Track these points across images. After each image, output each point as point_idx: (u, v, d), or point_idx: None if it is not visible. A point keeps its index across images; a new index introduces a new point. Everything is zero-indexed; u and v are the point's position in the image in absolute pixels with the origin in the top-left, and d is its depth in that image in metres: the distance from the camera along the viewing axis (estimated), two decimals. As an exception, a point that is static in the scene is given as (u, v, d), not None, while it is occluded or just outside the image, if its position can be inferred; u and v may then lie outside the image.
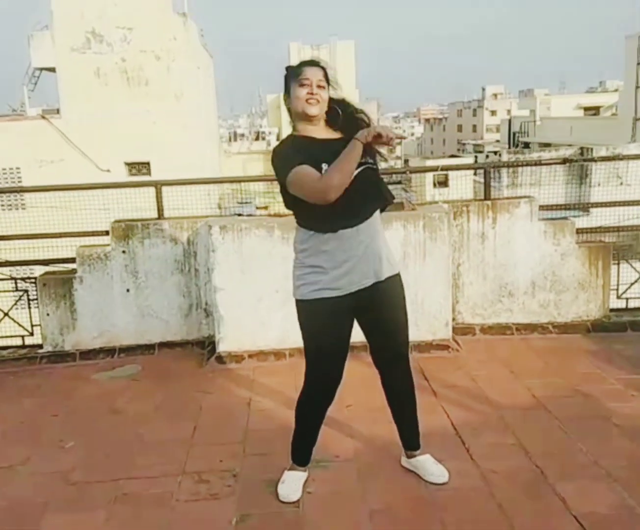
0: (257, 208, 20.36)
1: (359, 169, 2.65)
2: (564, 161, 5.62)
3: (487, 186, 5.25)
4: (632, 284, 5.24)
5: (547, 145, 29.30)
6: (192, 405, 4.05)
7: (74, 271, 4.99)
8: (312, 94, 2.74)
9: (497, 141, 51.01)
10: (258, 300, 4.70)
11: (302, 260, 2.83)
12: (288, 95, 2.85)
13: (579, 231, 5.21)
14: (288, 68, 2.88)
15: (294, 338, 4.74)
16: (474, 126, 70.62)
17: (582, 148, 20.29)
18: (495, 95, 74.15)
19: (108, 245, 4.95)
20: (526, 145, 36.64)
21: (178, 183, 5.19)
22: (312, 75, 2.76)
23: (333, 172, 2.56)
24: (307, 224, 2.79)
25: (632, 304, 5.26)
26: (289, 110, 2.88)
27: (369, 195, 2.76)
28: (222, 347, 4.74)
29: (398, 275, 2.94)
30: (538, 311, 5.17)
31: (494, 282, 5.15)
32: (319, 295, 2.77)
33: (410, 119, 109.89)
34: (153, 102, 20.49)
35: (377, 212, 2.85)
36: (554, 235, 5.11)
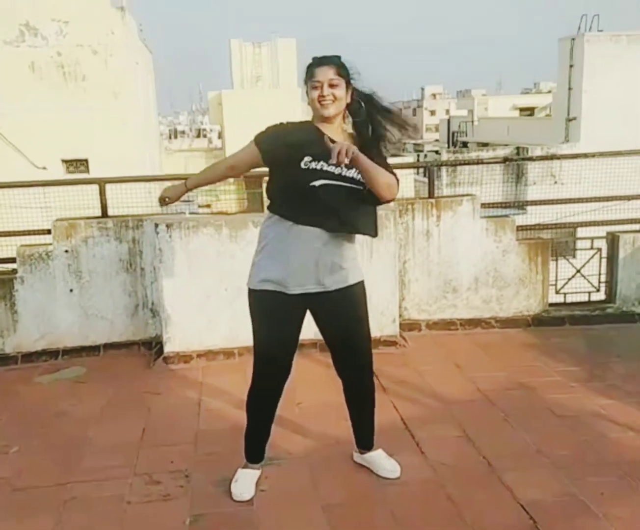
0: (200, 206, 20.19)
1: (323, 182, 2.68)
2: (504, 160, 5.86)
3: (431, 184, 5.35)
4: (569, 279, 5.43)
5: (485, 144, 29.92)
6: (141, 406, 4.00)
7: (14, 271, 4.84)
8: (322, 96, 2.73)
9: (437, 140, 51.82)
10: (206, 299, 4.67)
11: (260, 244, 2.88)
12: (306, 92, 2.85)
13: (518, 228, 5.36)
14: (307, 66, 2.84)
15: (243, 336, 4.73)
16: (415, 125, 71.52)
17: (518, 148, 20.82)
18: (434, 95, 75.26)
19: (50, 244, 4.83)
20: (464, 144, 37.34)
21: (122, 180, 5.11)
22: (323, 76, 2.73)
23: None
24: (274, 208, 2.83)
25: (570, 298, 5.44)
26: (309, 104, 2.89)
27: (331, 213, 2.72)
28: (169, 348, 4.69)
29: (356, 286, 2.91)
30: (481, 306, 5.31)
31: (439, 279, 5.26)
32: (264, 287, 2.81)
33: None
34: (90, 98, 20.01)
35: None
36: (495, 232, 5.25)
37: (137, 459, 3.34)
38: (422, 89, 77.32)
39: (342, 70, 2.77)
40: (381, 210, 4.79)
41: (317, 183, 2.68)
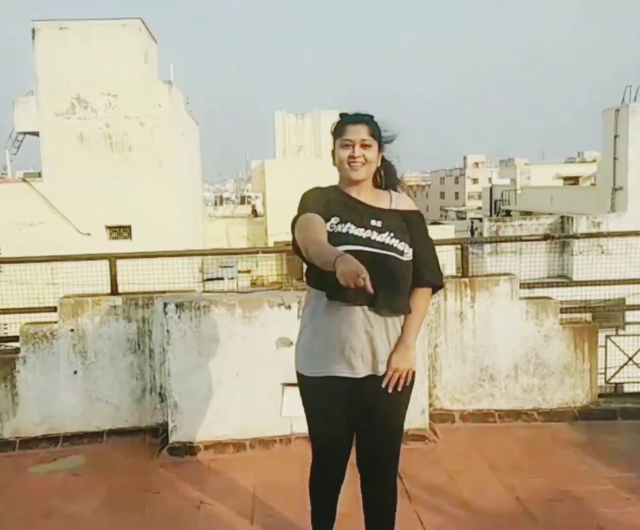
0: (240, 272, 20.13)
1: (349, 248, 2.39)
2: (545, 238, 5.33)
3: (465, 262, 4.93)
4: (620, 367, 4.90)
5: (528, 213, 29.43)
6: (135, 508, 3.60)
7: (16, 351, 4.57)
8: (353, 157, 2.51)
9: (479, 208, 51.39)
10: (216, 385, 4.29)
11: (302, 321, 2.67)
12: (333, 151, 2.63)
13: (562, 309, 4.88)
14: (337, 122, 2.63)
15: (255, 427, 4.36)
16: (456, 193, 71.38)
17: (562, 217, 20.30)
18: (476, 163, 75.24)
19: (55, 322, 4.55)
20: (507, 213, 36.90)
21: (133, 256, 4.84)
22: (355, 134, 2.51)
23: (309, 241, 2.37)
24: (309, 280, 2.61)
25: (622, 388, 4.89)
26: (335, 165, 2.65)
27: (382, 286, 2.37)
28: (175, 438, 4.30)
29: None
30: (521, 397, 4.80)
31: (474, 365, 4.79)
32: (310, 373, 2.59)
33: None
34: (136, 167, 20.44)
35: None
36: (536, 315, 4.78)
37: (120, 577, 2.93)
38: (465, 158, 77.37)
39: (376, 131, 2.56)
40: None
41: (342, 249, 2.33)
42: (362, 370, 2.53)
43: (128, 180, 20.46)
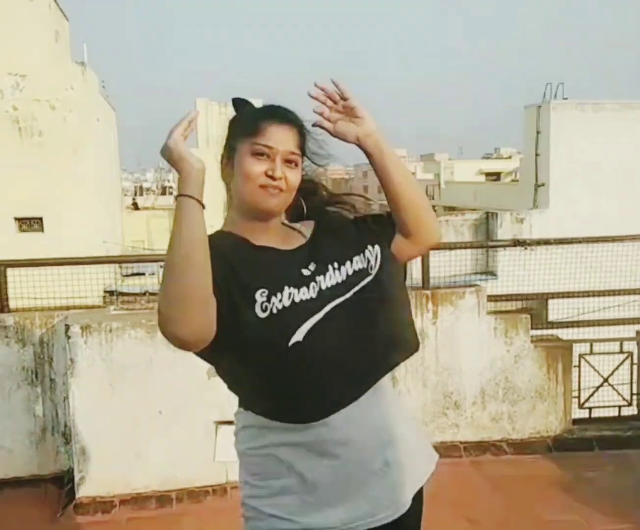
0: (162, 267, 19.14)
1: (311, 324, 1.44)
2: (514, 244, 4.79)
3: (425, 271, 4.31)
4: (595, 390, 4.40)
5: (453, 208, 29.64)
6: None
7: None
8: (272, 177, 1.50)
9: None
10: (134, 425, 3.50)
11: (247, 465, 1.58)
12: (229, 158, 1.58)
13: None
14: (236, 108, 1.65)
15: (183, 476, 3.57)
16: (379, 187, 71.78)
17: (487, 213, 20.31)
18: (398, 158, 76.21)
19: None
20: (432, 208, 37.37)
21: (27, 264, 3.95)
22: (280, 141, 1.51)
23: (159, 295, 1.37)
24: (253, 408, 1.54)
25: (596, 412, 4.40)
26: (225, 183, 1.62)
27: (345, 367, 1.47)
28: (83, 491, 3.48)
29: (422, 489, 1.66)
30: (490, 426, 4.22)
31: (437, 391, 4.17)
32: None
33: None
34: (47, 154, 19.03)
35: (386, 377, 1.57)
36: (505, 332, 4.21)
37: None
38: (387, 152, 78.06)
39: (305, 143, 1.59)
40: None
41: (302, 331, 1.42)
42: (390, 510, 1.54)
43: (39, 168, 19.10)
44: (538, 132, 21.11)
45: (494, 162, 49.54)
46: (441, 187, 39.68)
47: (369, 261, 1.56)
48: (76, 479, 3.50)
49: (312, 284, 1.49)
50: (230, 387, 1.57)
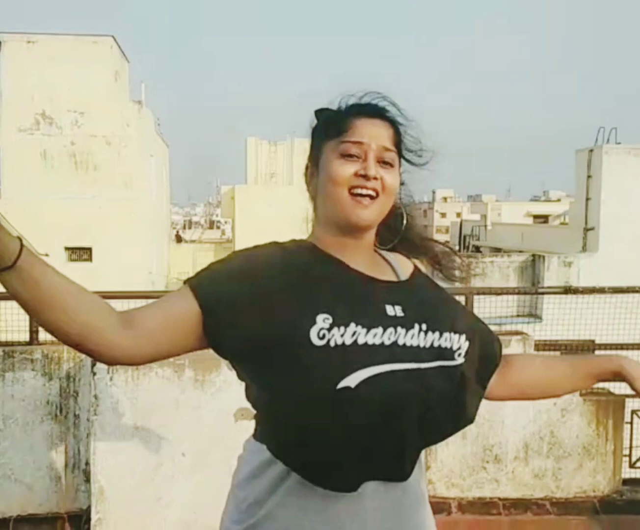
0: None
1: (374, 372, 1.22)
2: (566, 291, 4.55)
3: (466, 315, 4.11)
4: (649, 449, 4.10)
5: (499, 250, 29.20)
6: None
7: None
8: (365, 176, 1.29)
9: (447, 242, 51.41)
10: (155, 468, 3.36)
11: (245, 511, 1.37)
12: (314, 168, 1.40)
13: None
14: (320, 111, 1.43)
15: (206, 522, 3.44)
16: (425, 226, 71.54)
17: (533, 255, 19.90)
18: (445, 198, 75.66)
19: (-45, 378, 3.60)
20: (477, 249, 36.87)
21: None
22: (372, 136, 1.31)
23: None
24: (267, 440, 1.33)
25: (648, 474, 4.09)
26: (311, 197, 1.43)
27: (404, 442, 1.28)
28: (100, 534, 3.37)
29: None
30: (532, 483, 3.95)
31: (476, 444, 3.93)
32: None
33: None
34: (100, 187, 19.55)
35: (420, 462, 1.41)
36: (551, 383, 3.96)
37: None
38: (434, 192, 77.80)
39: (398, 139, 1.37)
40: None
41: (357, 378, 1.20)
42: None
43: (91, 201, 19.57)
44: (589, 176, 20.71)
45: (543, 205, 48.99)
46: (487, 228, 39.28)
47: (459, 348, 1.35)
48: (93, 520, 3.38)
49: (390, 329, 1.27)
50: (259, 421, 1.38)
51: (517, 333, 4.05)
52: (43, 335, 3.79)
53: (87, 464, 3.67)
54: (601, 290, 4.76)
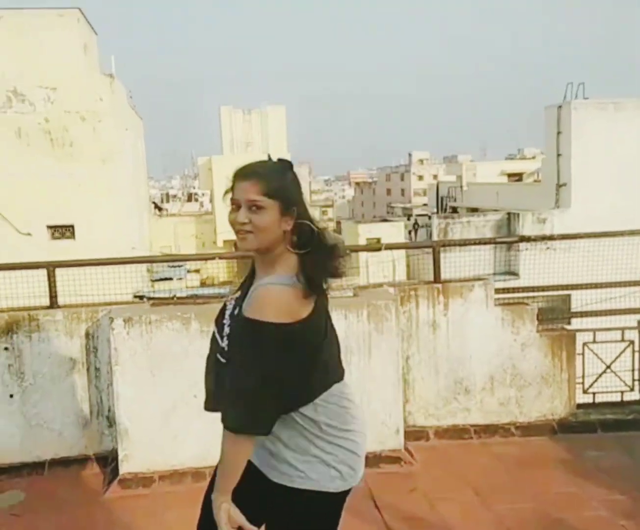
0: (189, 271, 19.57)
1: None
2: (521, 239, 5.09)
3: (436, 267, 4.64)
4: (598, 376, 4.68)
5: (475, 209, 29.63)
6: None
7: (-58, 373, 4.06)
8: (239, 222, 1.87)
9: (425, 205, 51.69)
10: (172, 409, 3.88)
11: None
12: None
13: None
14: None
15: (217, 454, 3.94)
16: (402, 190, 71.88)
17: (508, 213, 20.40)
18: (421, 160, 75.91)
19: (-13, 340, 4.06)
20: (454, 209, 37.19)
21: (75, 264, 4.37)
22: (242, 193, 1.87)
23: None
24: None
25: (599, 398, 4.68)
26: None
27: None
28: (126, 468, 3.87)
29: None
30: (498, 410, 4.53)
31: (448, 378, 4.49)
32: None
33: (341, 182, 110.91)
34: (78, 164, 19.60)
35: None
36: (512, 322, 4.52)
37: None
38: (410, 155, 77.96)
39: (271, 187, 1.86)
40: (380, 300, 4.10)
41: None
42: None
43: (70, 178, 19.66)
44: (559, 132, 21.13)
45: (516, 163, 49.18)
46: (463, 189, 39.63)
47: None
48: (120, 458, 3.89)
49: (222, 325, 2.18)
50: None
51: (479, 279, 4.59)
52: (62, 299, 4.26)
53: (109, 410, 4.17)
54: (550, 238, 5.31)
